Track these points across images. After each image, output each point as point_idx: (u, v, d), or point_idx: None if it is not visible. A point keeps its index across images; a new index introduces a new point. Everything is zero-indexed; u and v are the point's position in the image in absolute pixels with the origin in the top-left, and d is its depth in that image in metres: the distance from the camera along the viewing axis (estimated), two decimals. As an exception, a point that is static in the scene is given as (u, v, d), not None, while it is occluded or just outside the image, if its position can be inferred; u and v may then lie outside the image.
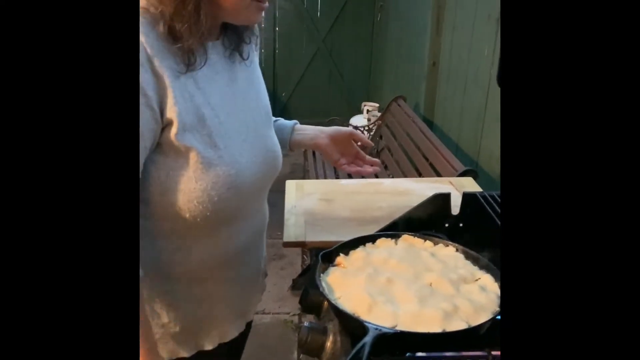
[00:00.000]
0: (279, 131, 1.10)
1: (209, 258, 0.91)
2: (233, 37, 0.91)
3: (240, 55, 0.92)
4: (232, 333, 1.02)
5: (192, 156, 0.79)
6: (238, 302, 1.02)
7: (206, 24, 0.79)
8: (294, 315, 2.44)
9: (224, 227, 0.89)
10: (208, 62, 0.84)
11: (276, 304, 2.51)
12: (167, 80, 0.76)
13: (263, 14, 0.88)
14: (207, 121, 0.81)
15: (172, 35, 0.77)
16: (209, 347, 0.98)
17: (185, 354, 0.95)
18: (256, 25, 0.96)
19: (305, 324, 0.76)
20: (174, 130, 0.78)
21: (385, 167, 3.29)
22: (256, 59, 1.00)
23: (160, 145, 0.79)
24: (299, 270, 2.74)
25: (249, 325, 1.10)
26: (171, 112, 0.77)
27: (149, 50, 0.74)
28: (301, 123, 1.17)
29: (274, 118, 1.10)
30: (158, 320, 0.91)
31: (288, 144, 1.12)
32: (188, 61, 0.79)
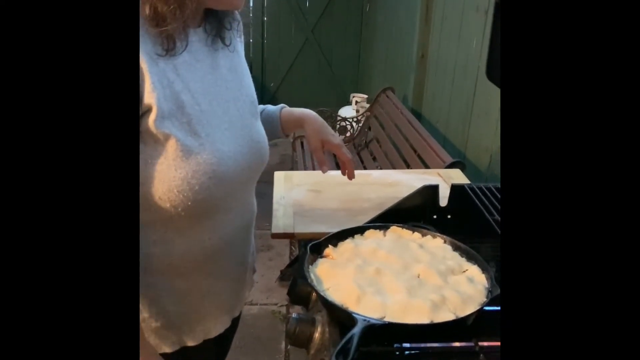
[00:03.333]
0: (268, 122, 1.09)
1: (192, 251, 0.89)
2: (214, 22, 0.89)
3: (222, 41, 0.91)
4: (217, 329, 1.00)
5: (172, 144, 0.78)
6: (223, 297, 1.00)
7: (191, 7, 0.78)
8: (281, 306, 2.44)
9: (207, 218, 0.87)
10: (189, 48, 0.82)
11: (264, 295, 2.51)
12: (145, 66, 0.75)
13: (251, 2, 0.87)
14: (186, 108, 0.80)
15: (156, 19, 0.76)
16: (192, 343, 0.96)
17: (167, 350, 0.94)
18: (236, 12, 0.95)
19: (294, 315, 0.76)
20: (152, 116, 0.76)
21: (374, 159, 3.29)
22: (240, 48, 0.98)
23: (139, 133, 0.78)
24: (287, 262, 2.74)
25: (235, 321, 1.09)
26: (149, 98, 0.76)
27: None
28: None
29: (261, 106, 1.09)
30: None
31: (280, 131, 1.11)
32: (167, 46, 0.78)
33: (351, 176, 1.10)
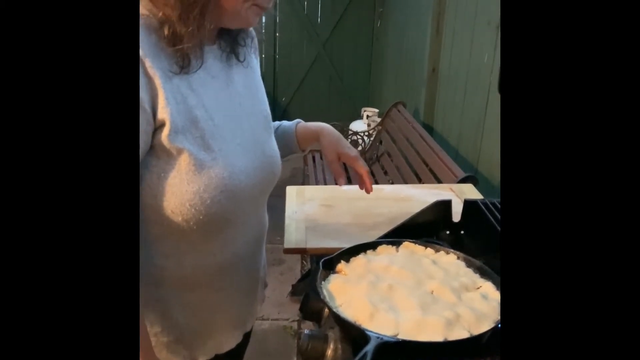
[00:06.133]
0: (284, 137, 1.09)
1: (204, 265, 0.89)
2: (228, 39, 0.90)
3: (237, 57, 0.92)
4: (229, 344, 1.00)
5: (184, 158, 0.79)
6: (235, 312, 1.00)
7: (209, 28, 0.79)
8: (293, 321, 2.43)
9: (219, 232, 0.87)
10: (204, 65, 0.83)
11: (275, 310, 2.49)
12: (159, 81, 0.76)
13: (264, 18, 0.88)
14: (200, 123, 0.80)
15: (174, 39, 0.77)
16: (204, 357, 0.96)
17: None
18: (251, 29, 0.96)
19: (306, 331, 0.76)
20: (166, 131, 0.77)
21: (385, 173, 3.29)
22: (255, 64, 0.99)
23: (152, 147, 0.78)
24: (299, 276, 2.73)
25: (247, 335, 1.08)
26: (163, 113, 0.76)
27: (140, 52, 0.74)
28: None
29: (276, 123, 1.10)
30: (150, 329, 0.90)
31: (297, 146, 1.11)
32: (182, 63, 0.79)
33: (369, 189, 1.10)
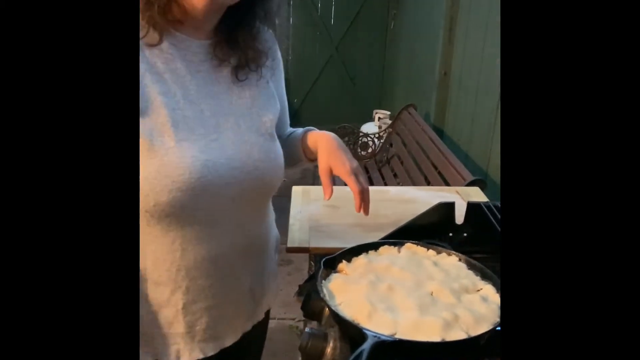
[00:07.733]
0: (293, 144, 1.06)
1: (165, 260, 0.85)
2: (230, 52, 0.90)
3: (236, 75, 0.90)
4: (194, 354, 0.92)
5: (141, 142, 0.77)
6: (203, 319, 0.92)
7: None
8: (299, 320, 2.44)
9: (179, 227, 0.83)
10: (187, 58, 0.84)
11: (282, 309, 2.51)
12: None
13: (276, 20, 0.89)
14: (165, 109, 0.79)
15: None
16: (165, 358, 0.90)
17: None
18: (272, 47, 0.96)
19: (306, 329, 0.76)
20: None
21: (395, 175, 3.29)
22: (271, 77, 0.99)
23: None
24: (306, 276, 2.73)
25: (240, 343, 1.00)
26: None
27: None
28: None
29: (291, 129, 1.08)
30: None
31: (302, 154, 1.06)
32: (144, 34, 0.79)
33: (357, 209, 0.97)
